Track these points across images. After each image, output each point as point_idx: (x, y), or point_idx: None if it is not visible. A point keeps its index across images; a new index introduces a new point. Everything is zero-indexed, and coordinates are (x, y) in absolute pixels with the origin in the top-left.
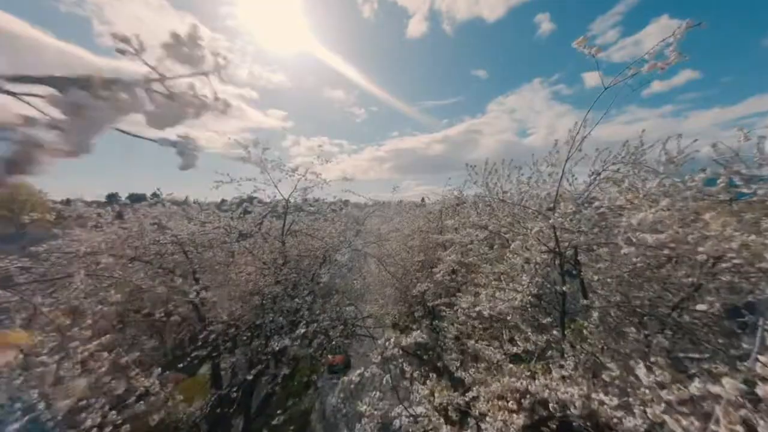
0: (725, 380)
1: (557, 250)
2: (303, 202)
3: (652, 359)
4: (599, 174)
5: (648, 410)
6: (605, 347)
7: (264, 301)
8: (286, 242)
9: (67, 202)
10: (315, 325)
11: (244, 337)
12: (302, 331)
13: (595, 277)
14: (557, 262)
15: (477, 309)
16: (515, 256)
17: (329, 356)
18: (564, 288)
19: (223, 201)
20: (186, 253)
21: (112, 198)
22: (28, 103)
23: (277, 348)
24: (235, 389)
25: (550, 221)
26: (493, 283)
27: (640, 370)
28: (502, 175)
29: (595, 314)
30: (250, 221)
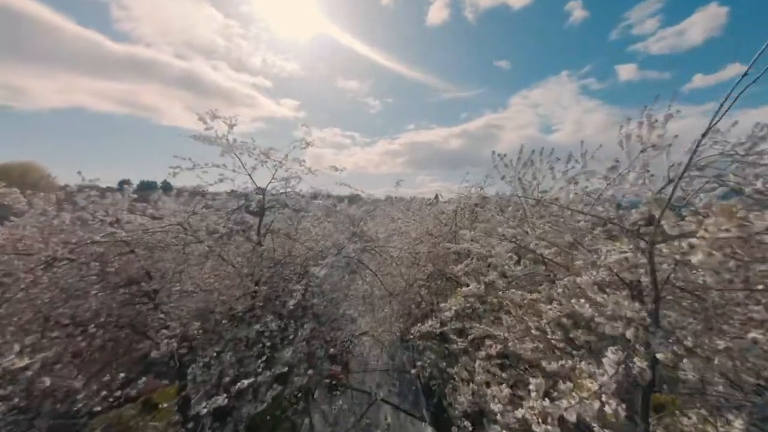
0: None
1: (656, 293)
2: (285, 195)
3: None
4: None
5: None
6: None
7: (222, 322)
8: (263, 243)
9: (81, 188)
10: (272, 372)
11: (201, 364)
12: (245, 383)
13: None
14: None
15: (521, 414)
16: (578, 298)
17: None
18: (660, 354)
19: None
20: (135, 254)
21: (123, 185)
22: None
23: (206, 410)
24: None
25: (695, 257)
26: (532, 331)
27: None
28: (539, 169)
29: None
30: (218, 218)
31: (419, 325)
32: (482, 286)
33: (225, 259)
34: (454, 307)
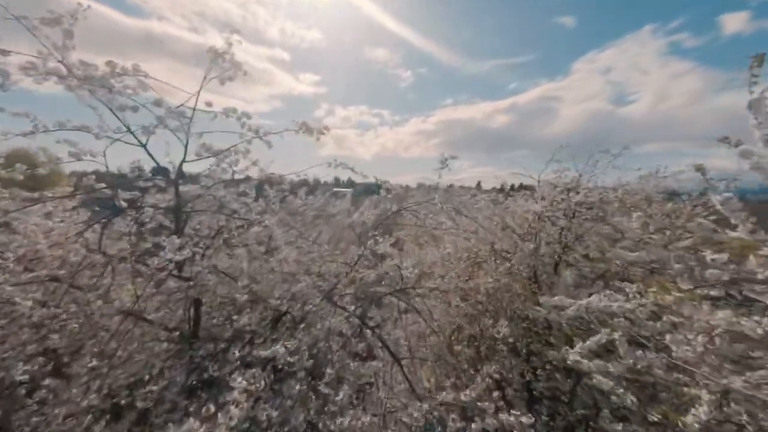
0: None
1: None
2: (228, 182)
3: None
4: None
5: None
6: None
7: None
8: (187, 276)
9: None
10: None
11: None
12: None
13: None
14: None
15: None
16: None
17: None
18: None
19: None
20: None
21: (135, 171)
22: None
23: None
24: None
25: None
26: None
27: None
28: None
29: None
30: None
31: None
32: None
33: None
34: None
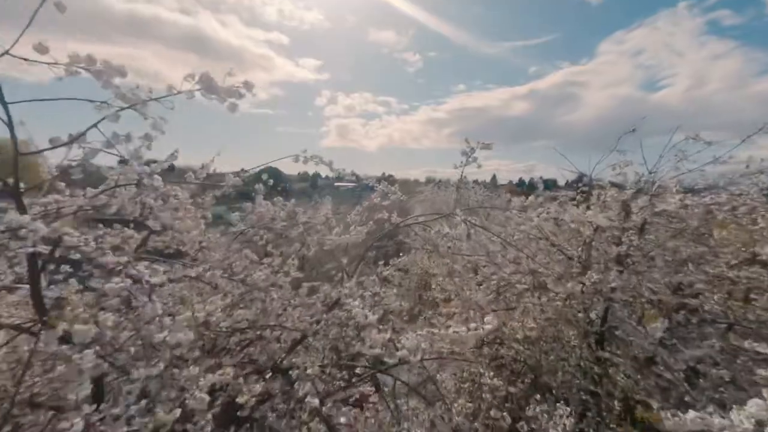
0: None
1: None
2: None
3: None
4: None
5: None
6: None
7: None
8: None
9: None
10: None
11: None
12: None
13: None
14: None
15: None
16: None
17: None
18: None
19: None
20: None
21: (122, 164)
22: None
23: None
24: None
25: None
26: None
27: None
28: None
29: None
30: None
31: None
32: None
33: None
34: None
